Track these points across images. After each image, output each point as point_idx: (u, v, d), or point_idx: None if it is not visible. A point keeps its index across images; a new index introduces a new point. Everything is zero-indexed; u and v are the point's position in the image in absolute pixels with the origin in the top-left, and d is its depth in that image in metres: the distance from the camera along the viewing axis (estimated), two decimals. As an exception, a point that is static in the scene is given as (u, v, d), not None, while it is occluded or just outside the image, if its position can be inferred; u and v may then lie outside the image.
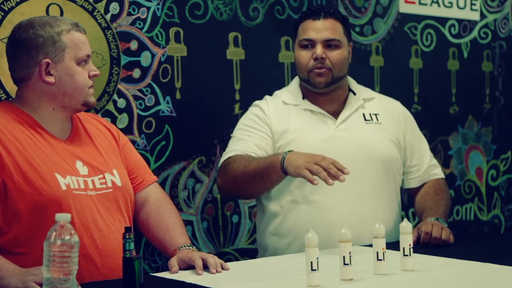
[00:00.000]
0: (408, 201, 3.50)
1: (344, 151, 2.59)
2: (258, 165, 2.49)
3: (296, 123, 2.67)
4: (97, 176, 2.17)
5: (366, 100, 2.75)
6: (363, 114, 2.72)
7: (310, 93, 2.71)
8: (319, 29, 2.62)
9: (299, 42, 2.66)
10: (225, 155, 2.64)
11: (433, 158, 2.86)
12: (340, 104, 2.72)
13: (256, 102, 2.76)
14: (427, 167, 2.79)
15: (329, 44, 2.62)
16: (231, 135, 2.72)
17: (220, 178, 2.65)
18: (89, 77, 2.18)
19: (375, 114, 2.73)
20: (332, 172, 2.27)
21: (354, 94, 2.74)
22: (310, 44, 2.63)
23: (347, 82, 2.75)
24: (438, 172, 2.83)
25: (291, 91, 2.75)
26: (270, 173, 2.46)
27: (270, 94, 2.83)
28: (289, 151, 2.43)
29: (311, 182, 2.27)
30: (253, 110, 2.74)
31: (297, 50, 2.67)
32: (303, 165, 2.30)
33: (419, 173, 2.78)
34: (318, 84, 2.63)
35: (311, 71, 2.63)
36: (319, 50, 2.61)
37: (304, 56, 2.64)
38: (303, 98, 2.71)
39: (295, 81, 2.77)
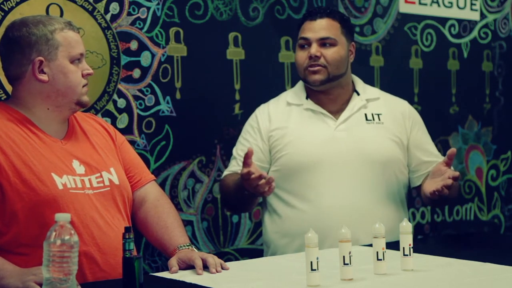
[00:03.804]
0: (408, 201, 3.50)
1: (342, 151, 2.62)
2: (234, 188, 2.57)
3: (295, 124, 2.69)
4: (94, 175, 2.17)
5: (369, 100, 2.75)
6: (365, 114, 2.72)
7: (313, 92, 2.73)
8: (315, 28, 2.67)
9: (298, 42, 2.71)
10: (222, 176, 2.76)
11: (441, 157, 2.84)
12: (343, 104, 2.73)
13: (257, 109, 2.79)
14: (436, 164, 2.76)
15: (324, 43, 2.66)
16: (233, 150, 2.77)
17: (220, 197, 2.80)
18: (83, 76, 2.18)
19: (378, 114, 2.74)
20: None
21: (358, 94, 2.75)
22: (306, 43, 2.68)
23: (350, 82, 2.76)
24: None
25: (295, 91, 2.79)
26: (243, 195, 2.52)
27: (270, 94, 2.85)
28: None
29: (249, 173, 2.32)
30: (250, 119, 2.79)
31: (296, 50, 2.72)
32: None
33: (428, 170, 2.73)
34: (313, 82, 2.66)
35: (306, 69, 2.66)
36: (313, 48, 2.65)
37: (301, 56, 2.69)
38: (307, 98, 2.73)
39: (301, 82, 2.79)
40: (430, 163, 2.75)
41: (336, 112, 2.72)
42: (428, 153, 2.78)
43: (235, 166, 2.68)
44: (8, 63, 2.15)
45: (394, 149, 2.71)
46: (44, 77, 2.12)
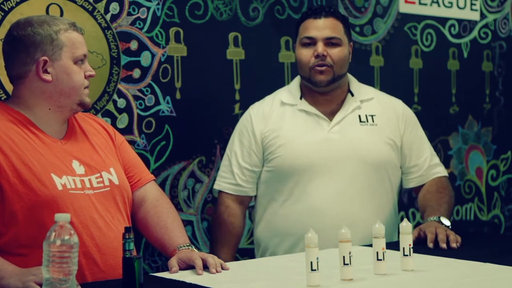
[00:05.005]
0: (408, 201, 3.51)
1: (336, 153, 2.62)
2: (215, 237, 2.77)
3: (289, 125, 2.68)
4: (94, 175, 2.17)
5: (363, 101, 2.75)
6: (359, 116, 2.71)
7: (308, 92, 2.72)
8: (320, 27, 2.64)
9: (300, 40, 2.68)
10: (219, 184, 2.77)
11: (435, 157, 2.84)
12: (337, 105, 2.72)
13: (250, 108, 2.79)
14: (427, 167, 2.78)
15: (330, 42, 2.64)
16: (228, 148, 2.77)
17: (214, 211, 2.84)
18: (85, 77, 2.19)
19: (372, 116, 2.73)
20: None
21: (352, 95, 2.74)
22: (311, 42, 2.65)
23: (346, 82, 2.76)
24: (440, 171, 2.81)
25: (290, 90, 2.77)
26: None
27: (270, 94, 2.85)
28: None
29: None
30: (244, 120, 2.77)
31: (298, 49, 2.69)
32: None
33: (419, 173, 2.78)
34: (320, 82, 2.64)
35: (312, 69, 2.64)
36: (320, 47, 2.62)
37: (306, 54, 2.65)
38: (301, 98, 2.72)
39: (296, 80, 2.79)
40: (421, 166, 2.76)
41: (330, 113, 2.71)
42: (420, 156, 2.77)
43: (238, 177, 2.71)
44: (12, 62, 2.15)
45: (388, 151, 2.70)
46: (48, 77, 2.12)
